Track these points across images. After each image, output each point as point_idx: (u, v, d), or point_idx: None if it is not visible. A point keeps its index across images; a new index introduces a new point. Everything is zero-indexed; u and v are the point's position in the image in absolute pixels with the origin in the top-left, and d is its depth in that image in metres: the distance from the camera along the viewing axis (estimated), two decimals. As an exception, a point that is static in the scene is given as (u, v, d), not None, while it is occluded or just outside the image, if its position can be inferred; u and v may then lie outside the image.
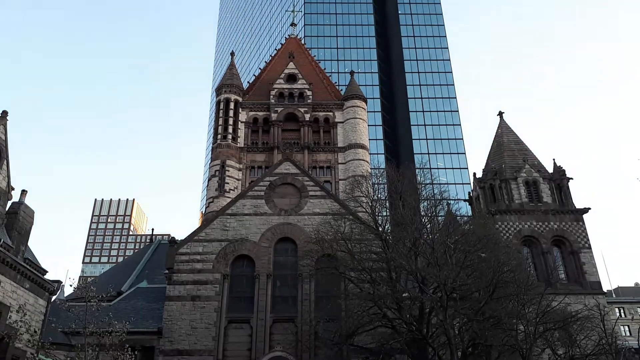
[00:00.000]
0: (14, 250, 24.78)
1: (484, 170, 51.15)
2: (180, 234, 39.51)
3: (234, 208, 39.15)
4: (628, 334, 60.13)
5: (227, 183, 47.61)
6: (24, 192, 28.28)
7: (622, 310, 69.79)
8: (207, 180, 50.17)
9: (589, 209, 46.10)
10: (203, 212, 50.80)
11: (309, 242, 36.08)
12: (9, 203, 25.97)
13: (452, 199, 45.68)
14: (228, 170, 48.17)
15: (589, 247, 43.78)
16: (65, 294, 41.90)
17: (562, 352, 29.95)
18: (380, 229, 32.12)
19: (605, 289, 44.77)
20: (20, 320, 23.13)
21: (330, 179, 49.26)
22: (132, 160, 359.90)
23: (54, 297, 31.81)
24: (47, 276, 28.47)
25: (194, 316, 34.43)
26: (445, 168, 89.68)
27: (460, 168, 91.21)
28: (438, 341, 27.16)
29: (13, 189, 25.36)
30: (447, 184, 70.54)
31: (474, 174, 52.31)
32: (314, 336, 32.91)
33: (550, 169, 49.57)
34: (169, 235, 53.75)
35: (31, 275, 25.32)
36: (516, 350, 27.83)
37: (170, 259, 36.56)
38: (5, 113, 26.10)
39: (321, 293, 35.74)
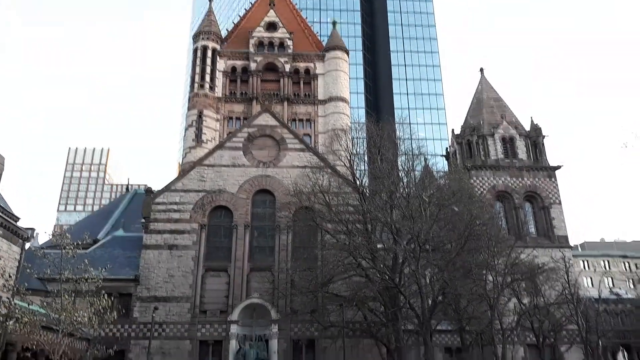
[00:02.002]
0: (-15, 196, 24.29)
1: (462, 127, 51.53)
2: (157, 185, 39.15)
3: (212, 159, 38.89)
4: (590, 285, 63.25)
5: (205, 134, 46.95)
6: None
7: (586, 263, 73.07)
8: (184, 130, 49.35)
9: (561, 166, 47.26)
10: (180, 162, 50.26)
11: (287, 195, 36.30)
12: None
13: (430, 154, 46.16)
14: (205, 121, 47.39)
15: (559, 203, 45.12)
16: (40, 242, 41.61)
17: (527, 301, 31.37)
18: (358, 183, 32.45)
19: (572, 244, 46.59)
20: (-6, 266, 23.00)
21: (310, 132, 48.97)
22: (108, 110, 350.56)
23: (28, 245, 31.62)
24: (20, 224, 28.14)
25: (171, 264, 34.77)
26: (424, 123, 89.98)
27: (439, 124, 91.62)
28: (410, 290, 28.13)
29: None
30: (426, 139, 70.93)
31: (452, 130, 52.71)
32: (291, 284, 33.69)
33: (527, 127, 50.21)
34: (145, 185, 53.18)
35: (3, 221, 24.98)
36: (484, 299, 29.03)
37: (147, 208, 36.46)
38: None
39: (298, 244, 36.37)
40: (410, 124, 54.62)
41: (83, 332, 24.38)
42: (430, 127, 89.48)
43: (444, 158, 54.46)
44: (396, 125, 40.19)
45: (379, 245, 28.97)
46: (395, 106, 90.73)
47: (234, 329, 30.60)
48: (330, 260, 29.95)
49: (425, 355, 26.96)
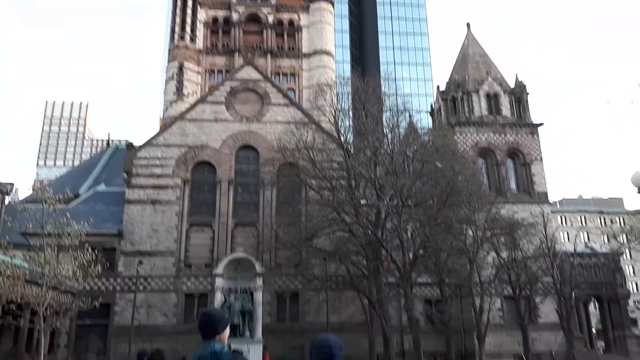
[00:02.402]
0: (-40, 149, 23.67)
1: (447, 83, 51.17)
2: (139, 140, 38.45)
3: (194, 113, 38.25)
4: (567, 240, 65.25)
5: (186, 87, 45.92)
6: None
7: (563, 219, 75.11)
8: (165, 83, 48.16)
9: (543, 123, 47.58)
10: (162, 117, 49.36)
11: (271, 151, 36.10)
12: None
13: (415, 111, 45.98)
14: (186, 73, 46.24)
15: (541, 160, 45.73)
16: (21, 198, 41.06)
17: (505, 255, 32.27)
18: (343, 139, 32.33)
19: (551, 200, 47.59)
20: (-27, 220, 22.73)
21: (294, 87, 48.23)
22: (87, 62, 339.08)
23: (8, 199, 31.20)
24: (-1, 177, 27.62)
25: (154, 219, 34.76)
26: (410, 79, 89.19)
27: (424, 79, 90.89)
28: (391, 244, 28.67)
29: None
30: (411, 95, 70.60)
31: (437, 86, 52.39)
32: (275, 239, 34.06)
33: (512, 84, 50.09)
34: (126, 140, 52.27)
35: (-19, 175, 24.47)
36: (463, 253, 29.77)
37: (129, 163, 36.03)
38: None
39: (282, 199, 36.53)
40: (395, 79, 54.13)
41: (67, 285, 24.52)
42: (416, 83, 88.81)
43: (429, 114, 54.37)
44: (382, 80, 39.78)
45: (362, 201, 29.24)
46: (381, 60, 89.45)
47: (219, 282, 31.04)
48: (314, 215, 30.23)
49: (405, 306, 27.80)
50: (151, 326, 32.31)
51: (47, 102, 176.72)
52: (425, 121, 54.39)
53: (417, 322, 27.82)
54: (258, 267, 32.07)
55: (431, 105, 54.34)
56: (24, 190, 54.44)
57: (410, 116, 37.87)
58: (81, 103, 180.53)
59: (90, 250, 22.69)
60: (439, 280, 32.59)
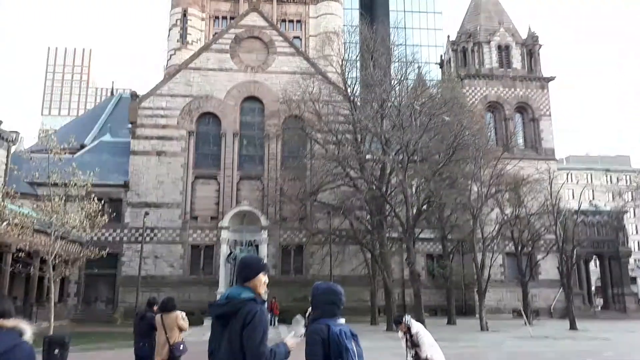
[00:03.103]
0: (-38, 98, 23.39)
1: (458, 32, 49.58)
2: (143, 89, 37.87)
3: (198, 62, 37.46)
4: (572, 197, 65.19)
5: (190, 34, 44.77)
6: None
7: (569, 176, 74.73)
8: (168, 30, 46.89)
9: (555, 77, 46.40)
10: (165, 65, 48.43)
11: (276, 102, 35.57)
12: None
13: (424, 62, 44.85)
14: (190, 20, 44.95)
15: (549, 115, 44.94)
16: (26, 147, 41.03)
17: (509, 211, 32.27)
18: (349, 90, 31.67)
19: (558, 157, 47.15)
20: (-21, 169, 22.78)
21: (300, 35, 46.91)
22: (89, 7, 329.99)
23: (13, 149, 31.17)
24: (4, 127, 27.49)
25: (160, 171, 34.79)
26: (419, 28, 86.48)
27: (435, 29, 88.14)
28: (396, 199, 28.66)
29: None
30: (420, 45, 68.66)
31: (448, 36, 50.81)
32: (280, 193, 34.13)
33: (524, 36, 48.48)
34: (130, 89, 51.63)
35: (-15, 125, 24.31)
36: (467, 209, 29.77)
37: (133, 113, 35.69)
38: None
39: (287, 153, 36.34)
40: (405, 28, 52.47)
41: (75, 235, 24.85)
42: (426, 33, 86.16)
43: (438, 66, 53.06)
44: (391, 29, 38.54)
45: (367, 156, 28.99)
46: (390, 8, 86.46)
47: (224, 234, 31.42)
48: (319, 170, 30.10)
49: (407, 260, 28.13)
50: (158, 276, 33.04)
51: (49, 48, 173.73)
52: (434, 73, 53.06)
53: (419, 276, 28.23)
54: (263, 220, 32.35)
55: (441, 57, 52.96)
56: (30, 140, 54.45)
57: (419, 67, 36.98)
58: (84, 50, 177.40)
59: (96, 200, 22.82)
60: (442, 235, 32.84)
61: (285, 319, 24.95)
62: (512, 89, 45.40)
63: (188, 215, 34.58)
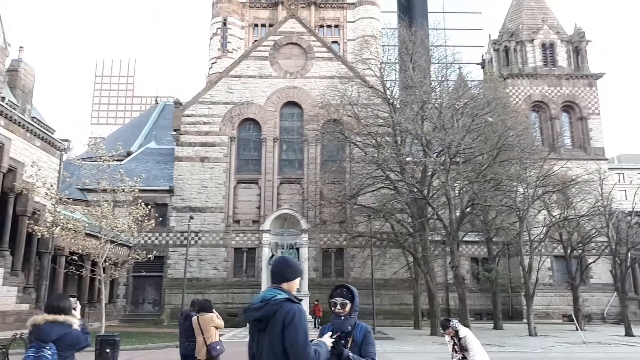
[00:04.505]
0: (20, 108, 24.68)
1: (500, 31, 48.50)
2: (186, 97, 39.04)
3: (238, 69, 38.18)
4: (624, 198, 62.27)
5: (230, 42, 45.70)
6: (21, 49, 27.34)
7: (621, 176, 71.43)
8: (210, 39, 48.04)
9: (604, 74, 44.56)
10: (207, 74, 49.58)
11: (314, 107, 35.76)
12: (8, 60, 25.17)
13: (464, 62, 44.03)
14: (230, 29, 45.90)
15: (598, 114, 43.23)
16: (76, 154, 42.87)
17: (557, 213, 31.17)
18: (388, 93, 31.48)
19: (608, 156, 45.22)
20: (35, 174, 23.94)
21: (338, 39, 47.05)
22: (134, 20, 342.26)
23: (65, 156, 32.60)
24: (56, 136, 28.79)
25: (203, 176, 35.60)
26: (459, 29, 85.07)
27: (475, 29, 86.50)
28: (438, 201, 28.20)
29: (8, 44, 24.36)
30: (460, 46, 67.52)
31: (489, 35, 49.77)
32: (320, 196, 34.24)
33: (570, 32, 46.88)
34: (173, 97, 53.23)
35: (40, 133, 25.55)
36: (513, 211, 28.95)
37: (177, 121, 36.70)
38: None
39: (326, 157, 36.52)
40: (444, 29, 51.82)
41: (124, 239, 25.76)
42: (466, 33, 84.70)
43: (480, 66, 52.02)
44: (430, 30, 38.11)
45: (408, 158, 28.68)
46: (428, 9, 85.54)
47: (266, 237, 31.76)
48: (359, 172, 29.99)
49: (451, 263, 27.60)
50: (202, 279, 33.78)
51: (97, 60, 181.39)
52: (475, 74, 52.03)
53: (463, 280, 27.64)
54: (303, 223, 32.50)
55: (482, 57, 51.92)
56: (80, 147, 56.90)
57: (459, 68, 36.39)
58: (129, 60, 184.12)
59: (143, 205, 23.58)
60: (487, 238, 32.07)
61: (328, 321, 24.94)
62: (558, 88, 43.93)
63: (231, 219, 35.21)
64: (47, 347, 4.48)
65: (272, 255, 31.61)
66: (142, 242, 28.43)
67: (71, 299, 5.05)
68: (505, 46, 46.18)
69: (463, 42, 79.91)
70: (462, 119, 28.89)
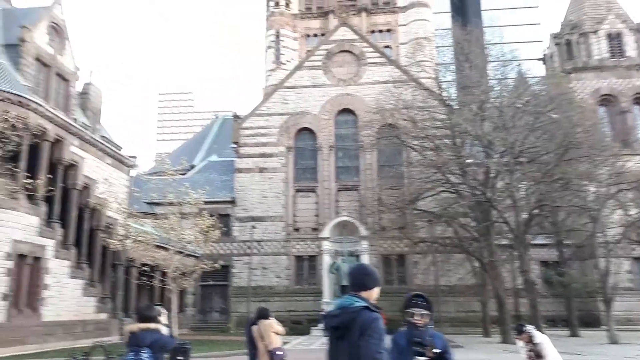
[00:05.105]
0: (91, 128, 26.29)
1: (561, 24, 46.36)
2: (244, 110, 40.08)
3: (292, 80, 38.79)
4: None
5: (283, 54, 46.55)
6: (91, 73, 29.24)
7: None
8: (265, 52, 49.21)
9: (681, 61, 41.47)
10: (264, 87, 50.79)
11: (369, 113, 35.61)
12: (79, 84, 26.92)
13: (524, 59, 42.44)
14: (283, 41, 46.78)
15: (676, 104, 40.25)
16: (143, 170, 45.06)
17: (634, 212, 29.19)
18: (445, 94, 30.84)
19: (688, 148, 41.89)
20: (108, 191, 25.36)
21: (391, 44, 46.77)
22: (191, 38, 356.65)
23: (133, 173, 34.35)
24: (124, 153, 30.39)
25: (263, 186, 36.34)
26: (516, 25, 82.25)
27: (532, 24, 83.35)
28: (503, 204, 27.16)
29: (78, 69, 26.07)
30: (518, 42, 65.21)
31: (550, 30, 47.73)
32: (378, 202, 33.95)
33: (638, 20, 44.07)
34: (231, 111, 54.95)
35: (110, 151, 27.06)
36: (585, 211, 27.41)
37: (236, 134, 37.77)
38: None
39: (383, 162, 36.26)
40: (500, 26, 50.22)
41: (190, 249, 26.73)
42: (523, 29, 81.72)
43: (541, 62, 49.95)
44: (485, 29, 37.08)
45: (468, 160, 27.89)
46: (482, 8, 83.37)
47: (325, 245, 31.90)
48: (417, 177, 29.48)
49: (520, 268, 26.49)
50: (266, 287, 34.35)
51: (159, 78, 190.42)
52: (536, 70, 50.00)
53: (534, 285, 26.41)
54: (362, 230, 32.37)
55: (543, 52, 49.83)
56: (148, 163, 59.76)
57: (518, 65, 35.10)
58: (189, 77, 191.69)
59: (208, 216, 24.40)
60: (557, 241, 30.53)
61: (391, 329, 24.55)
62: (628, 80, 41.34)
63: (291, 228, 35.67)
64: (143, 351, 5.20)
65: (333, 263, 31.68)
66: (208, 252, 29.31)
67: (157, 307, 5.82)
68: (567, 39, 44.07)
69: (521, 38, 77.15)
70: (525, 118, 27.74)
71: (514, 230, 25.55)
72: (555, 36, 45.66)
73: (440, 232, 30.23)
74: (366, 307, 3.27)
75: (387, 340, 3.48)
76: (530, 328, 8.09)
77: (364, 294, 3.39)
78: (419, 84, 33.77)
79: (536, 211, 27.06)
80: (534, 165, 26.73)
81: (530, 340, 8.03)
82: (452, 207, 28.43)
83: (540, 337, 7.99)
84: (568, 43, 44.10)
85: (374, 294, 3.43)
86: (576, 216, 28.97)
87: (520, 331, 8.28)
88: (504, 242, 28.99)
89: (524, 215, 26.11)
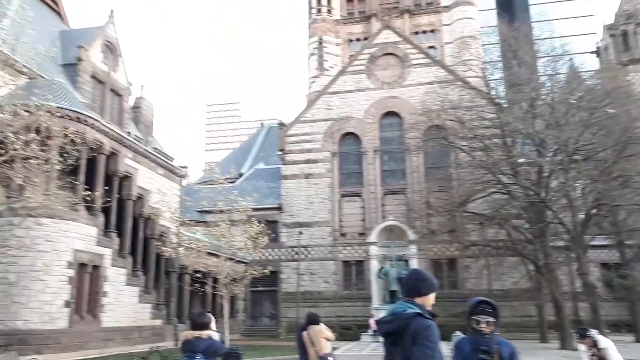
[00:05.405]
0: (144, 141, 27.34)
1: (615, 15, 44.31)
2: (289, 118, 40.71)
3: (335, 86, 38.92)
4: None
5: (326, 60, 46.79)
6: (142, 87, 30.46)
7: None
8: (308, 60, 49.70)
9: None
10: (308, 94, 51.29)
11: (414, 114, 35.14)
12: (131, 98, 28.09)
13: (576, 53, 40.74)
14: (326, 47, 47.04)
15: None
16: (193, 179, 46.42)
17: (703, 210, 27.29)
18: (493, 93, 30.02)
19: None
20: (161, 200, 26.25)
21: (435, 44, 46.10)
22: (235, 48, 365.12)
23: (184, 182, 35.43)
24: (175, 164, 31.40)
25: (309, 192, 36.58)
26: (566, 18, 79.12)
27: (584, 16, 79.87)
28: (558, 204, 26.06)
29: (131, 84, 27.21)
30: (569, 36, 62.70)
31: (603, 21, 45.65)
32: (426, 205, 33.39)
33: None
34: (276, 119, 55.82)
35: (162, 162, 28.03)
36: (648, 210, 25.89)
37: (282, 141, 38.24)
38: (112, 12, 27.21)
39: (430, 164, 35.65)
40: (550, 20, 48.51)
41: (241, 256, 27.22)
42: (574, 21, 78.49)
43: (594, 55, 47.83)
44: (533, 23, 35.87)
45: (520, 160, 26.96)
46: (530, 2, 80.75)
47: (373, 250, 31.67)
48: (467, 178, 28.76)
49: (578, 270, 25.31)
50: (314, 292, 34.47)
51: (206, 88, 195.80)
52: (589, 63, 47.88)
53: (594, 288, 25.15)
54: (410, 235, 31.91)
55: (596, 45, 47.70)
56: (197, 173, 61.64)
57: (570, 59, 33.71)
58: (235, 87, 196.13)
59: (257, 223, 24.79)
60: (618, 241, 28.96)
61: (443, 335, 24.02)
62: (692, 68, 38.89)
63: (337, 233, 35.67)
64: (198, 357, 5.50)
65: (381, 268, 31.39)
66: (257, 258, 29.74)
67: (208, 314, 6.08)
68: (623, 30, 42.06)
69: (572, 31, 74.13)
70: (579, 114, 26.56)
71: (571, 231, 24.47)
72: (609, 27, 43.68)
73: (492, 235, 29.34)
74: (419, 314, 3.20)
75: (444, 346, 3.39)
76: (594, 332, 7.75)
77: (418, 300, 3.32)
78: (465, 84, 33.02)
79: (594, 211, 25.81)
80: (590, 163, 25.53)
81: (594, 345, 7.70)
82: (504, 208, 27.55)
83: (605, 342, 7.65)
84: (624, 34, 42.06)
85: (429, 300, 3.36)
86: (638, 215, 27.42)
87: (583, 335, 7.96)
88: (560, 243, 27.80)
89: (581, 216, 24.96)
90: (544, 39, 32.80)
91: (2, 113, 14.62)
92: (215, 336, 5.85)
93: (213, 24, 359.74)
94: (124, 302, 22.63)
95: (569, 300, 28.80)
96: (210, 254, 25.47)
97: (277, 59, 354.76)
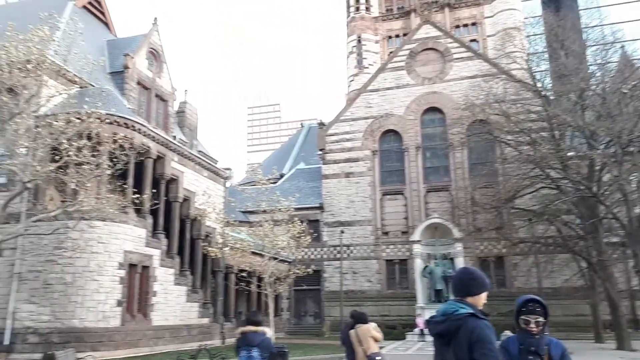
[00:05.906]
0: (189, 144, 28.06)
1: (671, -3, 41.77)
2: (329, 117, 40.72)
3: (375, 83, 38.65)
4: None
5: (365, 58, 46.55)
6: (186, 92, 31.24)
7: None
8: (347, 58, 49.60)
9: None
10: (347, 92, 51.20)
11: (457, 109, 34.40)
12: (176, 103, 28.89)
13: (629, 40, 38.76)
14: (365, 45, 46.79)
15: None
16: (236, 180, 47.24)
17: None
18: (539, 85, 28.97)
19: None
20: (206, 202, 26.86)
21: (477, 37, 45.01)
22: (273, 52, 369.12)
23: (228, 184, 36.12)
24: (219, 166, 32.07)
25: (350, 191, 36.50)
26: (616, 4, 75.41)
27: (636, 0, 75.85)
28: (611, 198, 24.89)
29: (175, 89, 27.96)
30: (621, 22, 59.74)
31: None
32: (471, 202, 32.64)
33: None
34: (316, 118, 56.06)
35: (207, 164, 28.67)
36: None
37: (322, 140, 38.32)
38: (155, 20, 28.04)
39: (474, 160, 34.86)
40: (598, 7, 46.41)
41: (284, 255, 27.51)
42: (627, 7, 74.69)
43: (648, 41, 45.33)
44: (581, 11, 34.42)
45: (569, 153, 25.91)
46: (576, -11, 77.49)
47: (417, 248, 31.23)
48: (513, 174, 27.90)
49: (635, 267, 24.07)
50: (357, 291, 34.38)
51: (247, 91, 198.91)
52: (643, 50, 45.47)
53: (653, 287, 23.86)
54: (456, 232, 31.25)
55: (650, 29, 45.19)
56: (240, 174, 62.76)
57: (622, 47, 32.09)
58: (275, 89, 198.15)
59: (299, 222, 24.99)
60: (679, 236, 27.32)
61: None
62: None
63: (379, 231, 35.42)
64: (254, 350, 6.10)
65: (426, 267, 30.93)
66: (300, 257, 29.96)
67: (260, 313, 7.17)
68: (681, 12, 39.59)
69: (624, 17, 70.59)
70: (633, 103, 25.28)
71: (626, 226, 23.31)
72: (665, 11, 41.23)
73: (542, 232, 28.32)
74: (472, 315, 3.11)
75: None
76: None
77: (469, 299, 3.22)
78: (510, 76, 32.02)
79: (652, 205, 24.49)
80: (646, 155, 24.24)
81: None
82: (554, 204, 26.54)
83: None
84: (681, 17, 39.59)
85: (481, 299, 3.26)
86: (702, 208, 25.79)
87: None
88: (615, 239, 26.55)
89: (637, 210, 23.72)
90: (593, 26, 31.47)
91: (57, 121, 15.33)
92: (269, 332, 6.49)
93: (259, 30, 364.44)
94: (172, 301, 23.29)
95: (625, 299, 27.49)
96: (254, 253, 25.86)
97: (316, 59, 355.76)
